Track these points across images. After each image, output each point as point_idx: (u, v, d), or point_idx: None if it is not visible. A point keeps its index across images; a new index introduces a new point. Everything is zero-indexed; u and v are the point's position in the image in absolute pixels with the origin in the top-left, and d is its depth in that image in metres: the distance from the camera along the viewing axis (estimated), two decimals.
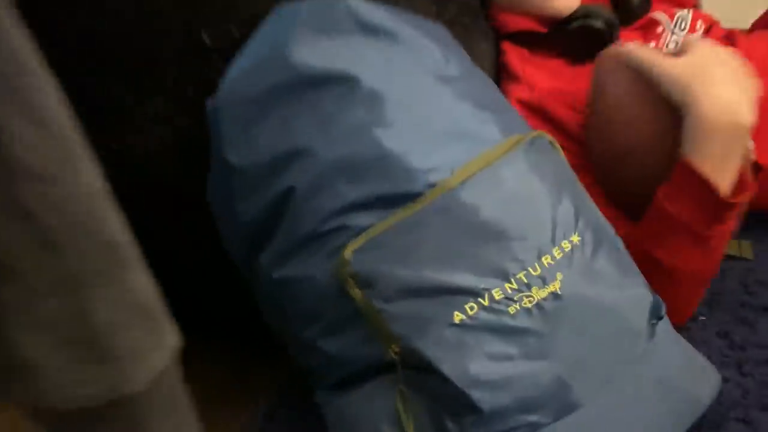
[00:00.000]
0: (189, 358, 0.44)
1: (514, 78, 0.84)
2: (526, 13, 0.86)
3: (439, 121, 0.53)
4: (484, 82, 0.61)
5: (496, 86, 0.63)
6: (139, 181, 0.67)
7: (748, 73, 0.67)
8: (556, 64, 0.84)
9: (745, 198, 0.63)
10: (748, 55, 0.80)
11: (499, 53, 0.87)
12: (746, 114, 0.63)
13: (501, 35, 0.88)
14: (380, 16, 0.55)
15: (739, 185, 0.63)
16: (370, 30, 0.54)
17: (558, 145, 0.57)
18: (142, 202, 0.57)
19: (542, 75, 0.83)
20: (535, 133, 0.55)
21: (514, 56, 0.86)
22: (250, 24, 0.66)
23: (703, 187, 0.61)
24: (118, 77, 0.66)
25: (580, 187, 0.57)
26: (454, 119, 0.54)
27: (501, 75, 0.87)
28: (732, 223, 0.65)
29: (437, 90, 0.54)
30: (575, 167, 0.61)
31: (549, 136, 0.56)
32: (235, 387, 0.74)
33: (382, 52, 0.54)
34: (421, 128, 0.53)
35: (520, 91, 0.82)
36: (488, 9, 0.89)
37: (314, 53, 0.53)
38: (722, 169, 0.62)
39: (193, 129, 0.66)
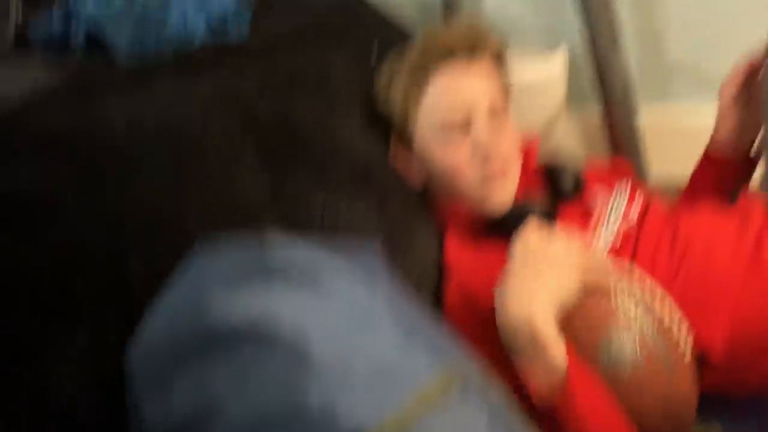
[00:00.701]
0: None
1: (458, 272, 0.85)
2: (467, 209, 0.88)
3: (362, 366, 0.51)
4: (413, 311, 0.59)
5: (428, 313, 0.62)
6: (57, 424, 0.63)
7: (576, 266, 0.65)
8: (497, 256, 0.84)
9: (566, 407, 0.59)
10: (693, 233, 0.82)
11: (442, 246, 0.88)
12: (524, 310, 0.61)
13: (443, 230, 0.89)
14: (300, 259, 0.54)
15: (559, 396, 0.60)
16: (289, 278, 0.53)
17: (493, 383, 0.54)
18: None
19: (484, 265, 0.83)
20: (468, 372, 0.53)
21: (457, 248, 0.87)
22: (180, 252, 0.65)
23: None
24: (36, 311, 0.64)
25: (515, 420, 0.54)
26: (379, 362, 0.52)
27: (445, 270, 0.87)
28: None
29: (361, 334, 0.53)
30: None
31: (482, 375, 0.54)
32: None
33: (303, 301, 0.53)
34: (344, 378, 0.50)
35: (458, 286, 0.83)
36: (430, 205, 0.91)
37: (231, 305, 0.52)
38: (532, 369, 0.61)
39: (115, 367, 0.63)
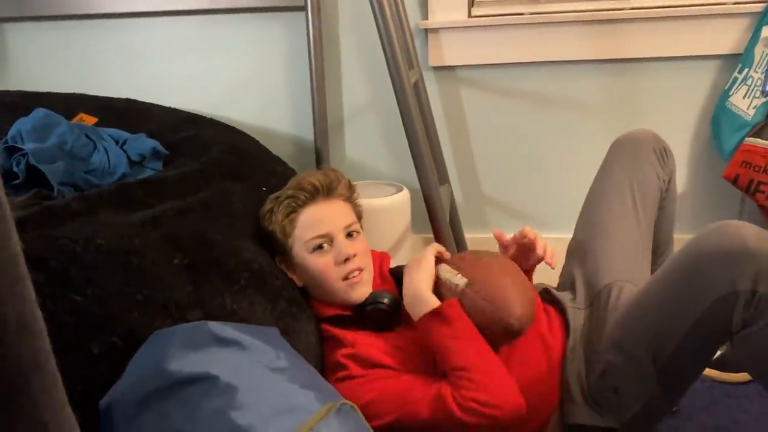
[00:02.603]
0: None
1: (339, 343, 1.13)
2: (334, 303, 1.19)
3: (275, 400, 0.77)
4: (306, 367, 0.87)
5: (313, 369, 0.90)
6: None
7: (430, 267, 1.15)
8: (366, 333, 1.15)
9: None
10: None
11: (321, 330, 1.17)
12: (417, 285, 1.12)
13: (320, 318, 1.18)
14: (230, 331, 0.81)
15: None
16: (223, 342, 0.79)
17: (357, 408, 0.83)
18: None
19: (360, 338, 1.13)
20: (341, 401, 0.81)
21: (336, 330, 1.16)
22: (130, 337, 0.89)
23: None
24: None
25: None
26: (286, 397, 0.78)
27: (326, 344, 1.15)
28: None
29: (273, 378, 0.79)
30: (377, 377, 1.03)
31: (350, 403, 0.82)
32: None
33: (233, 357, 0.79)
34: (263, 407, 0.76)
35: (345, 350, 1.11)
36: (309, 300, 1.21)
37: (184, 362, 0.77)
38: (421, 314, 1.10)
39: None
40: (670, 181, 1.34)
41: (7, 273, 0.40)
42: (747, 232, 0.92)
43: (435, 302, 1.08)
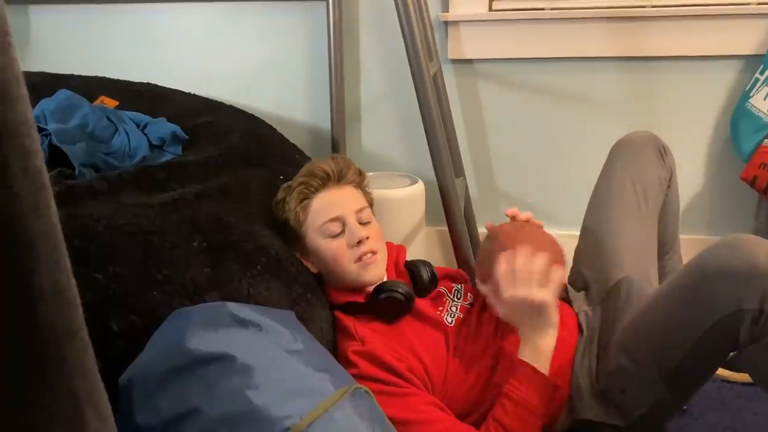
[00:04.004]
0: None
1: (350, 336, 1.14)
2: (348, 288, 1.19)
3: (291, 381, 0.79)
4: (321, 351, 0.88)
5: (329, 353, 0.91)
6: None
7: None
8: (377, 324, 1.16)
9: None
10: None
11: (334, 318, 1.18)
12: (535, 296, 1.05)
13: (334, 305, 1.19)
14: (249, 313, 0.82)
15: None
16: (242, 323, 0.81)
17: (371, 393, 0.84)
18: None
19: (369, 332, 1.14)
20: (355, 385, 0.82)
21: (347, 321, 1.16)
22: (150, 316, 0.90)
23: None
24: None
25: (388, 422, 0.83)
26: (301, 379, 0.79)
27: (338, 334, 1.16)
28: None
29: (289, 360, 0.81)
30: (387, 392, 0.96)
31: (365, 387, 0.83)
32: None
33: (251, 338, 0.80)
34: (279, 388, 0.77)
35: (355, 346, 1.11)
36: (323, 287, 1.22)
37: (203, 341, 0.78)
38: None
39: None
40: (671, 178, 1.35)
41: (44, 241, 0.41)
42: (757, 250, 0.90)
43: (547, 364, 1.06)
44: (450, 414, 1.05)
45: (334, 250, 1.18)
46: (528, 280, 1.03)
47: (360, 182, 1.28)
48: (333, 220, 1.19)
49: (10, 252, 0.39)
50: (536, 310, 1.04)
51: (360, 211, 1.22)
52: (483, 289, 1.14)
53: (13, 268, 0.39)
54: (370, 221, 1.23)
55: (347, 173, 1.25)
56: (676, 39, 1.68)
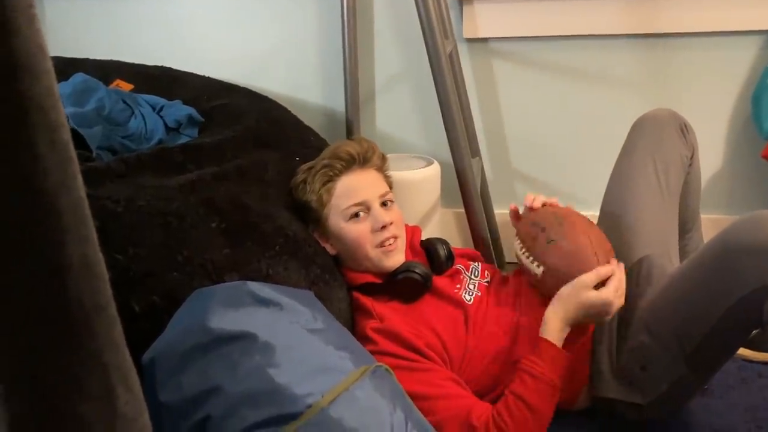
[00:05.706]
0: None
1: (368, 314, 1.14)
2: (366, 271, 1.19)
3: (312, 360, 0.79)
4: (340, 330, 0.88)
5: (348, 332, 0.91)
6: None
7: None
8: (395, 303, 1.16)
9: None
10: (517, 291, 1.18)
11: (352, 298, 1.18)
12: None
13: (351, 286, 1.19)
14: (269, 292, 0.82)
15: None
16: (262, 302, 0.81)
17: (391, 371, 0.84)
18: None
19: (388, 311, 1.14)
20: (376, 364, 0.82)
21: (365, 300, 1.17)
22: (170, 296, 0.91)
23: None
24: None
25: (408, 399, 0.84)
26: (322, 358, 0.80)
27: (356, 313, 1.17)
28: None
29: (309, 339, 0.81)
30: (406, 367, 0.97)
31: (385, 365, 0.83)
32: None
33: (272, 316, 0.80)
34: (300, 366, 0.78)
35: (374, 323, 1.12)
36: (340, 268, 1.22)
37: (225, 320, 0.78)
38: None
39: None
40: (693, 156, 1.33)
41: (72, 214, 0.41)
42: None
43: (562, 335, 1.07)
44: (468, 390, 1.05)
45: (357, 233, 1.18)
46: (622, 290, 1.07)
47: (382, 166, 1.28)
48: (358, 204, 1.19)
49: (39, 225, 0.39)
50: (606, 313, 1.05)
51: (383, 195, 1.21)
52: (536, 270, 1.13)
53: (43, 241, 0.39)
54: (392, 205, 1.23)
55: (372, 157, 1.24)
56: (695, 14, 1.65)
